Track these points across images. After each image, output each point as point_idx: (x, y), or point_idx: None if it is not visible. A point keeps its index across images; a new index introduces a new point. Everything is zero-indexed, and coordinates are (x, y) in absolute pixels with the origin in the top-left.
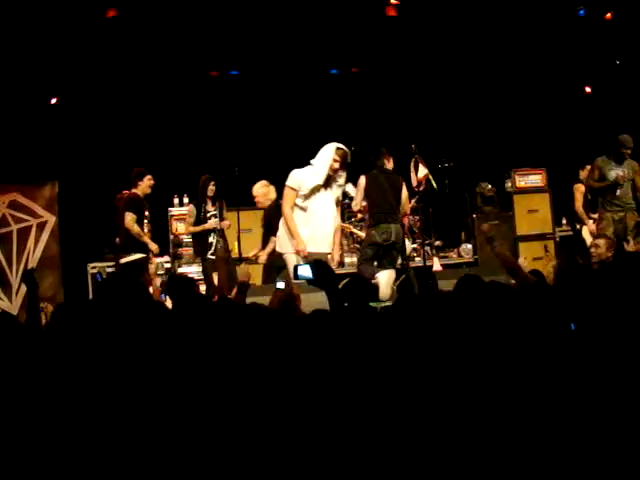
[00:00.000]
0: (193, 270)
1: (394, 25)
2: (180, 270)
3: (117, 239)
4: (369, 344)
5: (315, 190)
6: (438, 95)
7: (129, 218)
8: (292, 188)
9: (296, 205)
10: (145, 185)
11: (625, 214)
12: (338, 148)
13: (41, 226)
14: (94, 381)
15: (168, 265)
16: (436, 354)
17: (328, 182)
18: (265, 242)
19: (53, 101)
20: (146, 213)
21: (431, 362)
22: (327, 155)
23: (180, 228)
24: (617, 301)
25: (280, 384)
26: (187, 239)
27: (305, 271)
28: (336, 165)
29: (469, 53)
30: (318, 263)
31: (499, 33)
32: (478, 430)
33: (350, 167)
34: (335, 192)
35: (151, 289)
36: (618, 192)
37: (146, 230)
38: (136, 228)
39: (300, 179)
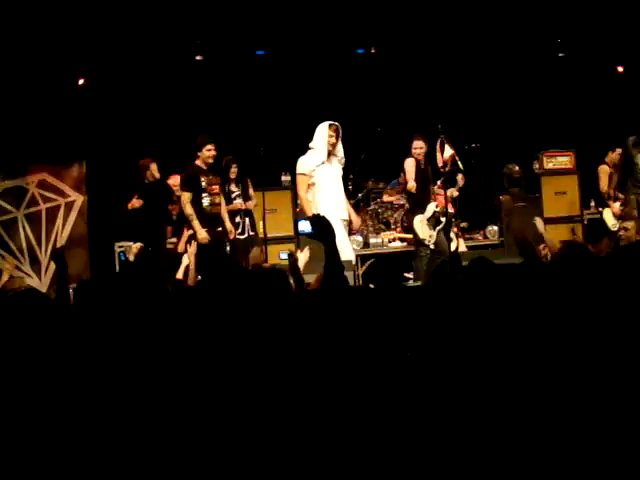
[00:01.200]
0: None
1: (422, 4)
2: None
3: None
4: (396, 323)
5: (321, 167)
6: (466, 75)
7: (184, 197)
8: (303, 174)
9: (312, 184)
10: (205, 155)
11: None
12: (330, 124)
13: (69, 205)
14: (107, 362)
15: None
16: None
17: (329, 158)
18: None
19: (81, 82)
20: (213, 187)
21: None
22: (322, 133)
23: None
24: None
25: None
26: None
27: (305, 226)
28: (332, 140)
29: (498, 32)
30: (317, 218)
31: (529, 12)
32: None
33: (377, 148)
34: (337, 165)
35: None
36: None
37: (222, 206)
38: (188, 209)
39: (306, 163)
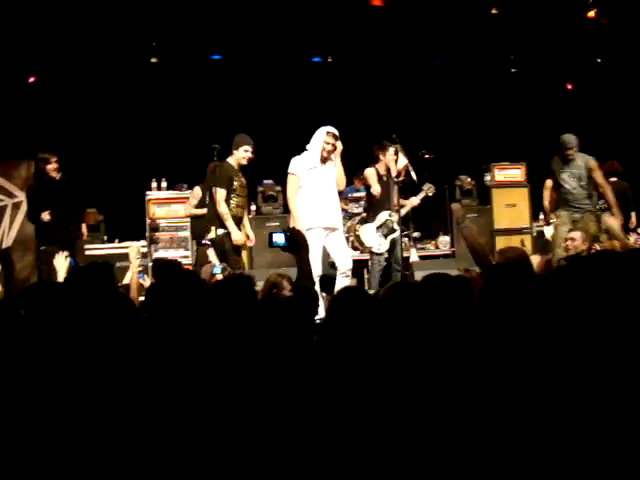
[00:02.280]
0: (170, 255)
1: (378, 14)
2: (157, 255)
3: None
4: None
5: (314, 171)
6: (420, 86)
7: (219, 195)
8: (292, 174)
9: (301, 187)
10: (240, 156)
11: (582, 216)
12: (328, 132)
13: (17, 206)
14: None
15: (145, 250)
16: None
17: (324, 163)
18: None
19: (31, 80)
20: (242, 189)
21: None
22: (318, 138)
23: (175, 211)
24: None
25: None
26: (164, 224)
27: (279, 238)
28: (328, 147)
29: (453, 45)
30: (291, 231)
31: (483, 26)
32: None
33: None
34: (332, 171)
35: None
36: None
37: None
38: (223, 207)
39: (298, 164)
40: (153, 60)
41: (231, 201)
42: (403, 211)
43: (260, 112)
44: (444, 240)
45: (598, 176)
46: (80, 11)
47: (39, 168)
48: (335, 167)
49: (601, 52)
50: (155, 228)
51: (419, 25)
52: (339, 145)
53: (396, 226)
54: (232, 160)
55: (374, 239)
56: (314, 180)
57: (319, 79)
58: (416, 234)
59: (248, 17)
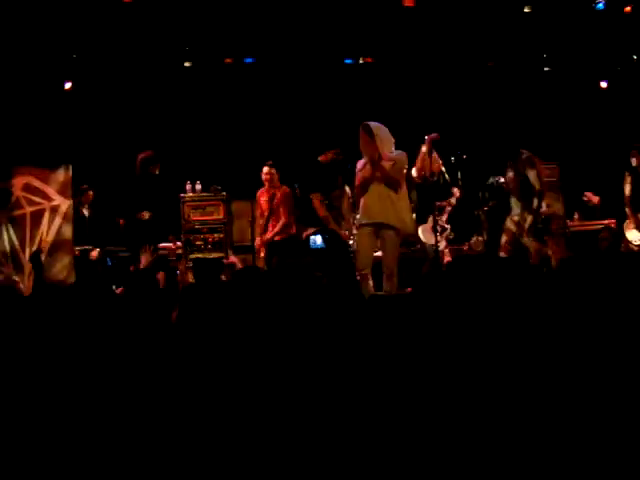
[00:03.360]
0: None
1: (411, 15)
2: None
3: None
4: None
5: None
6: (453, 86)
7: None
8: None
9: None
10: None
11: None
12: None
13: (54, 210)
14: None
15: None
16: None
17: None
18: None
19: (67, 86)
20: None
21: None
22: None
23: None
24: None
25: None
26: (198, 226)
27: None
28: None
29: (486, 45)
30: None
31: (516, 26)
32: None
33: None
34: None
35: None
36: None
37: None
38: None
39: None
40: (187, 64)
41: None
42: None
43: (293, 114)
44: (477, 240)
45: (530, 175)
46: (114, 17)
47: (146, 167)
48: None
49: (637, 48)
50: (190, 230)
51: (450, 25)
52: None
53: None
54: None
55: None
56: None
57: (351, 81)
58: (451, 235)
59: (280, 20)
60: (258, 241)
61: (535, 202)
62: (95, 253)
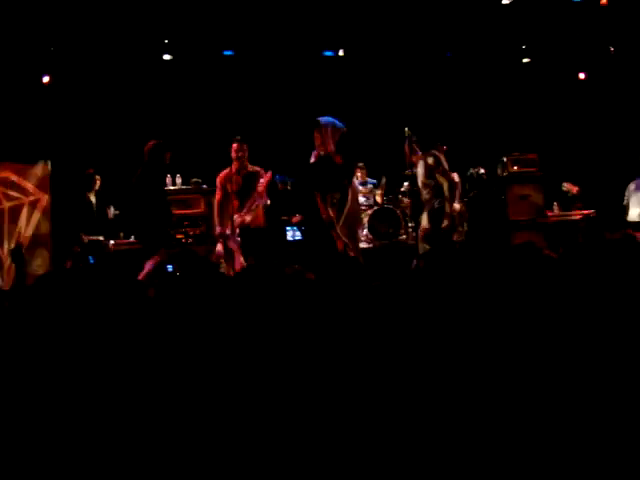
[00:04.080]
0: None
1: (388, 6)
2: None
3: None
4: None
5: None
6: (433, 78)
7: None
8: None
9: None
10: None
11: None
12: None
13: (33, 204)
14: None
15: None
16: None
17: None
18: None
19: (45, 80)
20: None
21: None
22: None
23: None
24: None
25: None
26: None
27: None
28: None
29: (465, 36)
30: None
31: (495, 18)
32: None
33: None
34: None
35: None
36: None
37: None
38: None
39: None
40: (166, 57)
41: None
42: None
43: (273, 107)
44: (458, 231)
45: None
46: (92, 10)
47: (157, 155)
48: None
49: (615, 40)
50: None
51: (430, 17)
52: None
53: None
54: None
55: None
56: None
57: (331, 73)
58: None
59: (259, 12)
60: (238, 219)
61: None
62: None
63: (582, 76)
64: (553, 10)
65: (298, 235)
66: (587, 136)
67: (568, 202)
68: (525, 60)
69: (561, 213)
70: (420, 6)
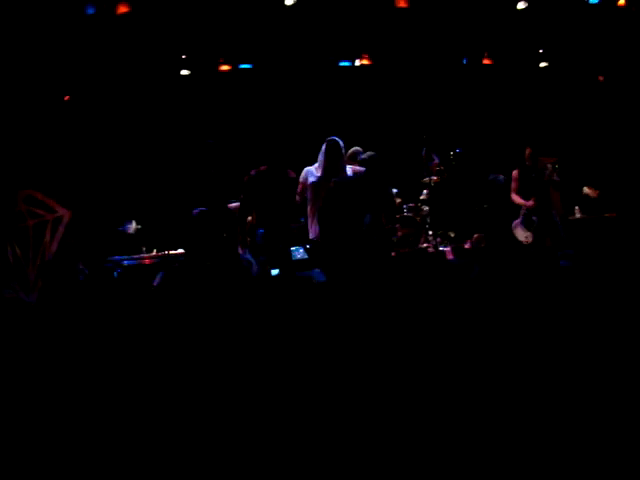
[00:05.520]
0: None
1: (404, 16)
2: None
3: None
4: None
5: (316, 184)
6: (451, 85)
7: None
8: (299, 182)
9: (307, 197)
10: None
11: None
12: (326, 143)
13: (56, 221)
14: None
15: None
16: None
17: (328, 177)
18: None
19: (66, 98)
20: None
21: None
22: (322, 151)
23: None
24: None
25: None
26: None
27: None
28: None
29: (482, 43)
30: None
31: (512, 23)
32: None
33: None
34: None
35: None
36: None
37: None
38: None
39: (305, 175)
40: (184, 72)
41: None
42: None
43: (292, 118)
44: (479, 238)
45: None
46: (110, 28)
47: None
48: None
49: (633, 42)
50: None
51: (445, 24)
52: None
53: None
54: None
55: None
56: (315, 193)
57: (347, 83)
58: (451, 233)
59: (275, 25)
60: None
61: None
62: None
63: (601, 78)
64: (569, 13)
65: (303, 254)
66: (607, 140)
67: (589, 206)
68: (542, 64)
69: (583, 217)
70: (436, 14)
